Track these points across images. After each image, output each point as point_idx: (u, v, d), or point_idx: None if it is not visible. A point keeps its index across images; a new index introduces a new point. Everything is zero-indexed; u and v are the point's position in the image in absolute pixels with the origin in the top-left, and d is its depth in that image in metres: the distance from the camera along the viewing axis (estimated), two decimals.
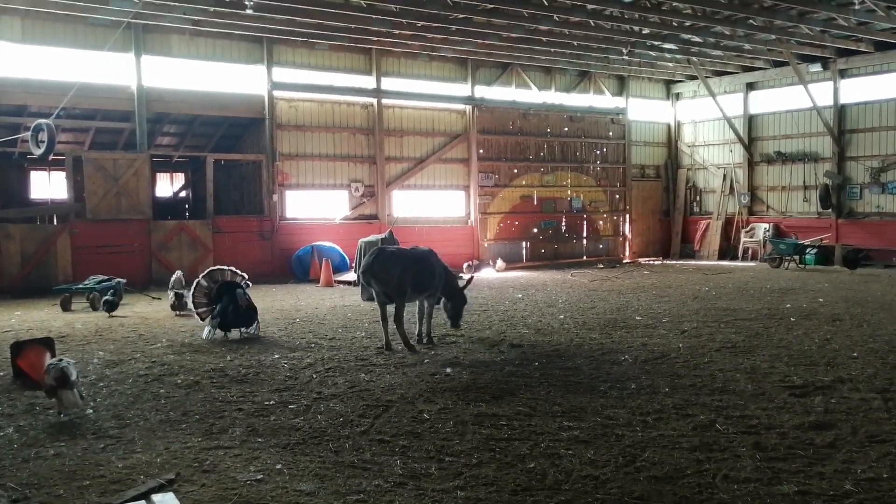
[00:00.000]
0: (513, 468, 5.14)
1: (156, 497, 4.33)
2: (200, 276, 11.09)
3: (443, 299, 10.22)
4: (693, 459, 5.26)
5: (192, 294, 10.96)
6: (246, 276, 11.10)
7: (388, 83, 21.38)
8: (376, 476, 5.01)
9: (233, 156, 21.19)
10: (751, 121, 24.93)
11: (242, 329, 10.60)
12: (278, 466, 5.21)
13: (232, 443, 5.78)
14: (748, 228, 24.74)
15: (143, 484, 4.86)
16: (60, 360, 6.86)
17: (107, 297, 13.11)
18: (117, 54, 17.58)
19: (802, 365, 8.30)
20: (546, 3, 17.39)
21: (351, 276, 17.44)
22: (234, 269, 11.19)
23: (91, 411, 6.71)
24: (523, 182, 23.81)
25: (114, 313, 12.98)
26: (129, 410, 6.76)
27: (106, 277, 14.57)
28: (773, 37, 20.07)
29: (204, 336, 10.34)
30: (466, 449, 5.55)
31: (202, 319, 10.78)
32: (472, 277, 11.48)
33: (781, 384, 7.42)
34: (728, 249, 25.19)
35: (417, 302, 10.07)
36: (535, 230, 24.04)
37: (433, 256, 10.18)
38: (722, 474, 4.96)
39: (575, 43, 20.42)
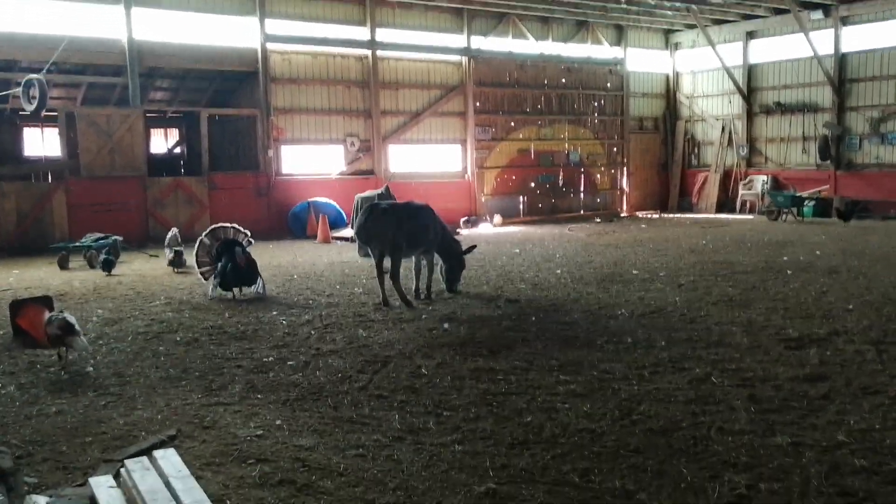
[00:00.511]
0: (510, 422, 5.20)
1: (157, 453, 4.37)
2: (203, 234, 10.97)
3: (440, 263, 10.20)
4: (688, 412, 5.31)
5: (196, 253, 10.84)
6: (249, 234, 10.97)
7: (383, 34, 21.04)
8: (375, 431, 5.07)
9: (227, 111, 20.97)
10: (750, 70, 24.61)
11: (245, 288, 10.41)
12: (278, 422, 5.26)
13: (231, 399, 5.82)
14: (746, 181, 24.62)
15: (145, 440, 4.91)
16: (61, 311, 6.92)
17: (105, 257, 13.07)
18: (107, 6, 17.27)
19: (798, 318, 8.35)
20: None
21: (348, 231, 17.41)
22: (236, 226, 11.01)
23: (91, 368, 6.76)
24: (520, 135, 23.62)
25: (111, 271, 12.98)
26: (130, 368, 6.80)
27: (102, 235, 14.53)
28: None
29: (209, 295, 10.34)
30: (464, 403, 5.60)
31: (205, 279, 10.73)
32: (475, 246, 11.38)
33: (777, 337, 7.46)
34: (726, 202, 25.12)
35: (414, 258, 10.07)
36: (533, 184, 23.93)
37: (428, 211, 10.13)
38: (717, 426, 5.02)
39: None
